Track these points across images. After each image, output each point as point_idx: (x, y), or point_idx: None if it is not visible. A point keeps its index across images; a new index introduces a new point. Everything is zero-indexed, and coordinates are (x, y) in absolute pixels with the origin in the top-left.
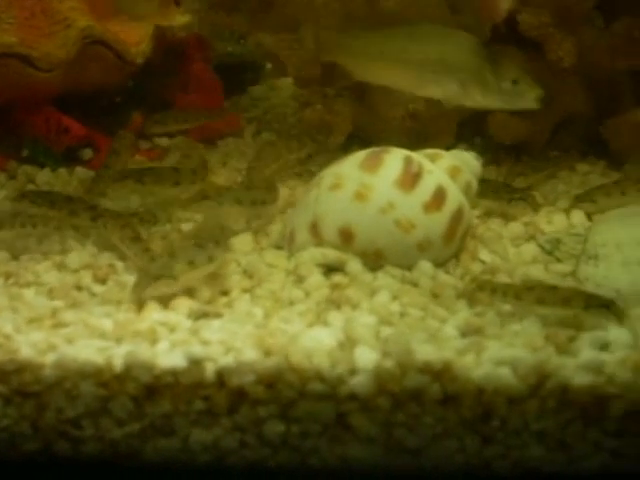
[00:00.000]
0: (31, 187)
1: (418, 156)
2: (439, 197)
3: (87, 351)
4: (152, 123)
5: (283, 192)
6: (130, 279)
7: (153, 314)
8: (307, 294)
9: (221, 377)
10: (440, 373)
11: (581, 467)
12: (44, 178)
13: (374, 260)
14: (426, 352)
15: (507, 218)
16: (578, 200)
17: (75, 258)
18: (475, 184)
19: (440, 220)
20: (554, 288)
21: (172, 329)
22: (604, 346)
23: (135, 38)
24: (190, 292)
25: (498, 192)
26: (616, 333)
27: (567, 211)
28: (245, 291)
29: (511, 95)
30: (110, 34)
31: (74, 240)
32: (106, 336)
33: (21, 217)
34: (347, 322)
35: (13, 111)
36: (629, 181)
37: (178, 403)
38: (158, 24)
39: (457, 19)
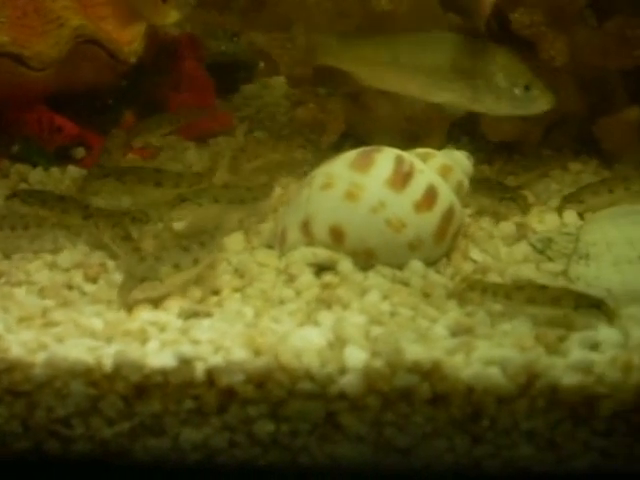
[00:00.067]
0: (23, 186)
1: (409, 155)
2: (430, 196)
3: (77, 350)
4: (140, 130)
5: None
6: (121, 278)
7: (143, 314)
8: (298, 293)
9: (211, 376)
10: (429, 373)
11: (570, 467)
12: (36, 177)
13: (365, 259)
14: (416, 352)
15: (499, 217)
16: (566, 201)
17: (66, 257)
18: (466, 183)
19: (431, 219)
20: (544, 288)
21: (162, 328)
22: (594, 346)
23: (127, 37)
24: (179, 292)
25: (491, 190)
26: (606, 333)
27: (559, 210)
28: (236, 290)
29: (523, 101)
30: (103, 33)
31: (66, 239)
32: (96, 335)
33: (12, 217)
34: (337, 322)
35: (5, 110)
36: (616, 179)
37: (168, 402)
38: (152, 22)
39: (449, 18)
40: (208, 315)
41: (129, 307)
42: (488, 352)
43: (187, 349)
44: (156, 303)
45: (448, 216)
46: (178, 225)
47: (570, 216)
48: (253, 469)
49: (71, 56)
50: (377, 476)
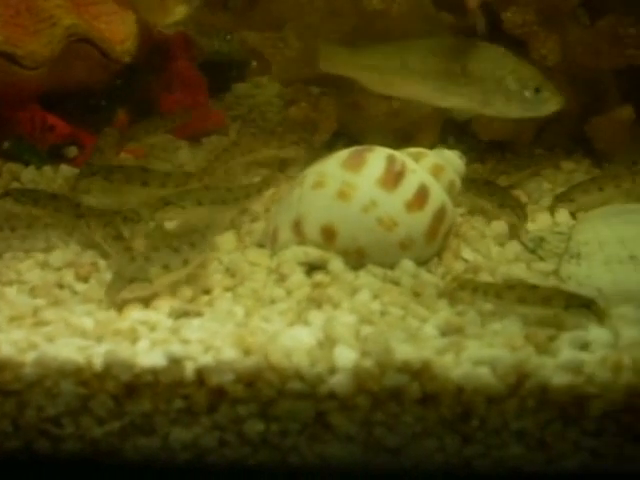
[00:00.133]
0: (16, 185)
1: (401, 155)
2: (422, 196)
3: (67, 350)
4: (134, 134)
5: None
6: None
7: (134, 313)
8: (289, 293)
9: (201, 376)
10: (419, 372)
11: (561, 467)
12: (29, 176)
13: (356, 259)
14: (405, 351)
15: (490, 216)
16: (557, 200)
17: (58, 256)
18: (458, 183)
19: (422, 219)
20: (535, 287)
21: (152, 328)
22: (584, 346)
23: (120, 36)
24: (170, 292)
25: (484, 191)
26: (596, 333)
27: (551, 209)
28: (227, 290)
29: (533, 103)
30: (95, 32)
31: (58, 238)
32: (87, 335)
33: (4, 216)
34: (327, 321)
35: None
36: (607, 177)
37: (158, 402)
38: (158, 21)
39: (442, 16)
40: (198, 314)
41: (117, 307)
42: (478, 352)
43: (177, 349)
44: (145, 303)
45: (439, 215)
46: (169, 224)
47: (562, 215)
48: (243, 469)
49: (64, 55)
50: (367, 476)
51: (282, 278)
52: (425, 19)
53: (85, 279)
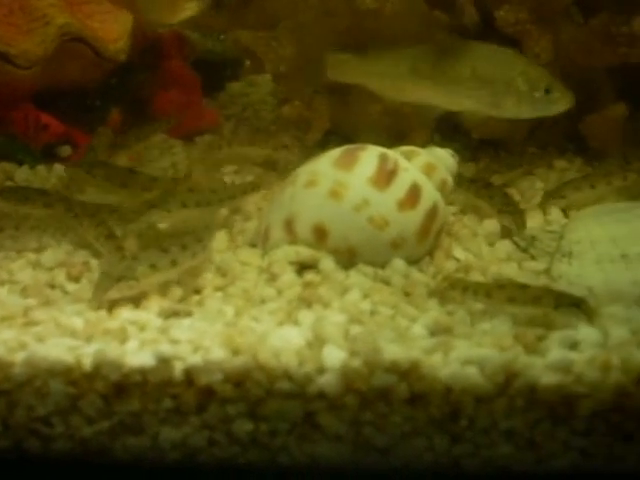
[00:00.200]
0: (9, 184)
1: (394, 153)
2: (414, 195)
3: (57, 350)
4: (130, 142)
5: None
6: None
7: (124, 313)
8: (279, 292)
9: (189, 376)
10: (407, 372)
11: (550, 466)
12: (22, 175)
13: (347, 258)
14: (394, 351)
15: (482, 215)
16: (548, 195)
17: (50, 256)
18: (451, 181)
19: (414, 218)
20: (525, 287)
21: (142, 328)
22: (573, 345)
23: (113, 35)
24: (160, 291)
25: (481, 192)
26: (586, 332)
27: (541, 205)
28: (218, 289)
29: (544, 103)
30: (88, 31)
31: (50, 238)
32: (76, 335)
33: None
34: (317, 321)
35: None
36: (598, 175)
37: (147, 401)
38: (168, 20)
39: (435, 15)
40: (188, 314)
41: (105, 306)
42: (466, 352)
43: (166, 348)
44: (134, 303)
45: (431, 214)
46: (162, 225)
47: (554, 214)
48: (233, 468)
49: (57, 54)
50: (357, 475)
51: (273, 277)
52: (419, 18)
53: (77, 279)
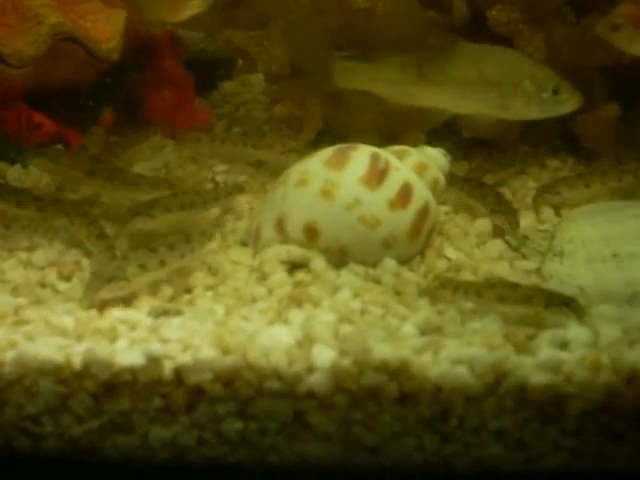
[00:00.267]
0: (1, 182)
1: (385, 153)
2: (405, 194)
3: (47, 349)
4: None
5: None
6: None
7: (114, 312)
8: (270, 291)
9: (179, 375)
10: (397, 372)
11: (540, 466)
12: (15, 174)
13: (339, 257)
14: (383, 350)
15: (474, 214)
16: (542, 191)
17: (41, 255)
18: (443, 181)
19: (405, 217)
20: (516, 286)
21: (132, 327)
22: (563, 345)
23: (106, 35)
24: (150, 291)
25: (474, 192)
26: (576, 332)
27: (534, 202)
28: (208, 288)
29: (552, 104)
30: (81, 31)
31: (42, 237)
32: (67, 334)
33: None
34: (307, 320)
35: None
36: (594, 175)
37: (137, 400)
38: (172, 19)
39: (428, 15)
40: (178, 313)
41: (96, 307)
42: (456, 351)
43: (156, 347)
44: (123, 303)
45: (423, 214)
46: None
47: (547, 213)
48: (222, 467)
49: (49, 54)
50: (346, 474)
51: (264, 277)
52: (411, 17)
53: (68, 278)
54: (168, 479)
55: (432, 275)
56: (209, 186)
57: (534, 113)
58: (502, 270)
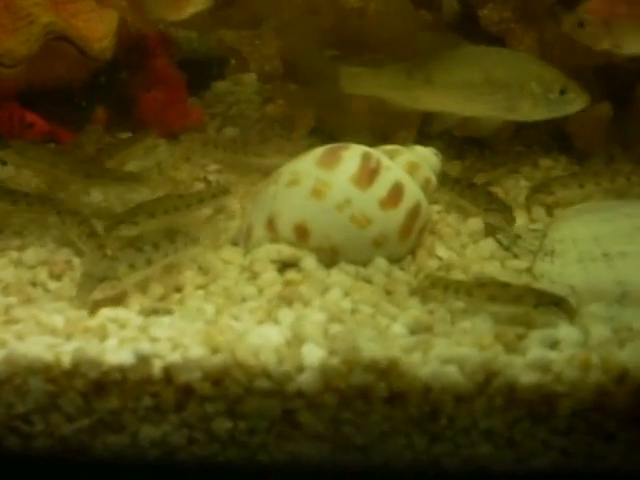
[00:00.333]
0: None
1: (377, 152)
2: (396, 193)
3: (37, 347)
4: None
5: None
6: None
7: (104, 311)
8: (260, 291)
9: (168, 374)
10: (386, 371)
11: (530, 465)
12: (6, 174)
13: (330, 256)
14: (373, 350)
15: (467, 214)
16: (535, 190)
17: (32, 254)
18: (434, 180)
19: (396, 216)
20: (506, 285)
21: (122, 326)
22: (553, 344)
23: (98, 34)
24: (141, 290)
25: (465, 192)
26: (566, 331)
27: (527, 207)
28: (199, 287)
29: (560, 104)
30: (73, 30)
31: (33, 236)
32: (57, 333)
33: None
34: (296, 319)
35: None
36: (587, 175)
37: (126, 399)
38: (173, 14)
39: (420, 15)
40: (168, 312)
41: (90, 308)
42: (446, 350)
43: (145, 346)
44: (115, 302)
45: (414, 213)
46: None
47: (538, 213)
48: (212, 466)
49: (42, 53)
50: (336, 473)
51: (254, 276)
52: (403, 17)
53: (59, 277)
54: (158, 478)
55: (423, 274)
56: (201, 185)
57: (541, 114)
58: (493, 269)
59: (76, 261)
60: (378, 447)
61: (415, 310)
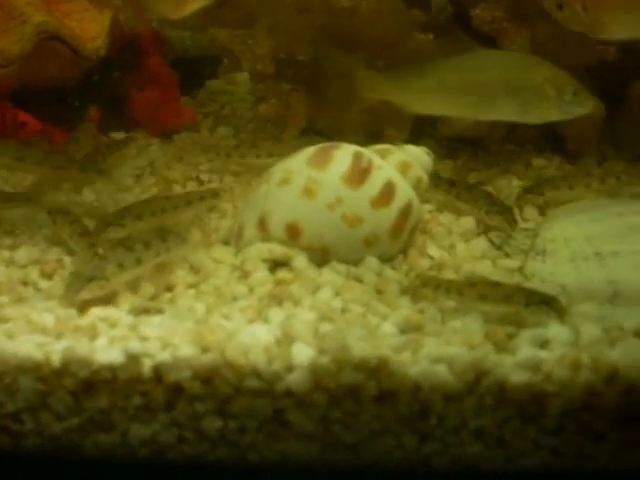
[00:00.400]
0: None
1: (368, 152)
2: (387, 192)
3: (27, 346)
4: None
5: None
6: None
7: (95, 310)
8: (251, 290)
9: (158, 373)
10: (376, 370)
11: (520, 465)
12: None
13: (321, 255)
14: (362, 349)
15: (459, 213)
16: (526, 192)
17: (24, 253)
18: (426, 179)
19: (388, 215)
20: (497, 284)
21: (113, 325)
22: (544, 344)
23: (91, 33)
24: (131, 289)
25: (463, 195)
26: (556, 330)
27: (520, 206)
28: (190, 287)
29: (571, 107)
30: (66, 29)
31: (25, 235)
32: (47, 332)
33: None
34: (287, 318)
35: None
36: (578, 176)
37: (116, 398)
38: (171, 16)
39: (413, 14)
40: (159, 312)
41: (77, 307)
42: (435, 349)
43: (135, 345)
44: (104, 302)
45: (405, 212)
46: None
47: (531, 212)
48: (203, 465)
49: (34, 52)
50: (326, 473)
51: (245, 275)
52: (395, 16)
53: (50, 276)
54: (148, 477)
55: (414, 274)
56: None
57: (553, 116)
58: (485, 269)
59: (67, 260)
60: (368, 446)
61: (406, 309)
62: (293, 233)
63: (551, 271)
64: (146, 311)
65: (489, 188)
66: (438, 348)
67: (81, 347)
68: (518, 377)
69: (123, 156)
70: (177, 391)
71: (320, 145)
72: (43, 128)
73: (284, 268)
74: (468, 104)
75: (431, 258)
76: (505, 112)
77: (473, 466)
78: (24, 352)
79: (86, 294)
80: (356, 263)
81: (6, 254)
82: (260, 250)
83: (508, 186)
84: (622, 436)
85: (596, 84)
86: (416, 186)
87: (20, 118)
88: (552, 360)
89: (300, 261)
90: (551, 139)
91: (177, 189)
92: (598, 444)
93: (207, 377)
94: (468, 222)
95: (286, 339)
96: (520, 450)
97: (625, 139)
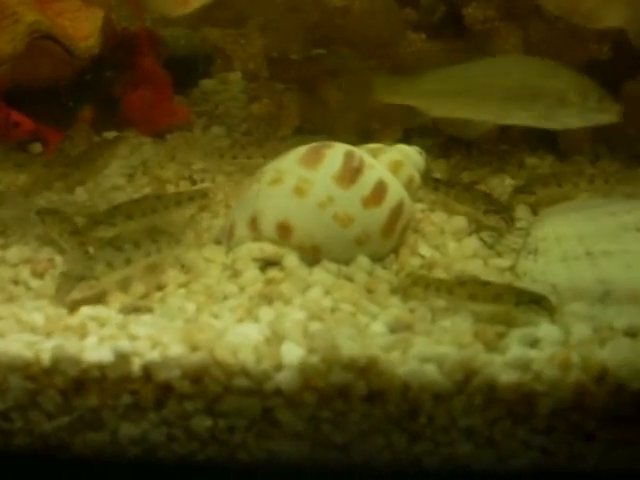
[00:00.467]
0: None
1: (360, 151)
2: (379, 192)
3: (16, 345)
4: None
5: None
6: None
7: (85, 309)
8: (241, 289)
9: (147, 372)
10: (365, 369)
11: (510, 465)
12: None
13: (312, 255)
14: (352, 348)
15: (451, 212)
16: (517, 192)
17: (15, 252)
18: (418, 178)
19: (379, 215)
20: (487, 283)
21: (102, 324)
22: (534, 343)
23: (84, 32)
24: (122, 288)
25: (461, 196)
26: (546, 330)
27: (512, 205)
28: (181, 286)
29: (596, 113)
30: (58, 29)
31: (16, 234)
32: (37, 330)
33: None
34: (276, 318)
35: None
36: (567, 174)
37: (106, 397)
38: (173, 13)
39: (406, 13)
40: (149, 311)
41: (68, 307)
42: (425, 349)
43: (124, 344)
44: (94, 301)
45: (397, 211)
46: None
47: (523, 211)
48: (192, 464)
49: (27, 52)
50: (316, 472)
51: (236, 274)
52: (387, 15)
53: (41, 275)
54: (138, 475)
55: (404, 273)
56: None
57: (577, 123)
58: (476, 268)
59: (58, 259)
60: (357, 446)
61: (396, 309)
62: (284, 232)
63: (542, 270)
64: (136, 310)
65: (482, 187)
66: (428, 347)
67: (71, 346)
68: (508, 376)
69: (113, 155)
70: (166, 390)
71: (312, 144)
72: (36, 128)
73: (275, 267)
74: (491, 108)
75: (422, 257)
76: (527, 117)
77: (463, 466)
78: (14, 351)
79: (76, 294)
80: (347, 262)
81: None
82: (251, 249)
83: (501, 185)
84: (612, 435)
85: None
86: (408, 185)
87: (13, 118)
88: (542, 359)
89: (291, 260)
90: (544, 138)
91: (170, 189)
92: (588, 444)
93: (196, 376)
94: (460, 221)
95: (275, 338)
96: (510, 450)
97: (618, 139)
